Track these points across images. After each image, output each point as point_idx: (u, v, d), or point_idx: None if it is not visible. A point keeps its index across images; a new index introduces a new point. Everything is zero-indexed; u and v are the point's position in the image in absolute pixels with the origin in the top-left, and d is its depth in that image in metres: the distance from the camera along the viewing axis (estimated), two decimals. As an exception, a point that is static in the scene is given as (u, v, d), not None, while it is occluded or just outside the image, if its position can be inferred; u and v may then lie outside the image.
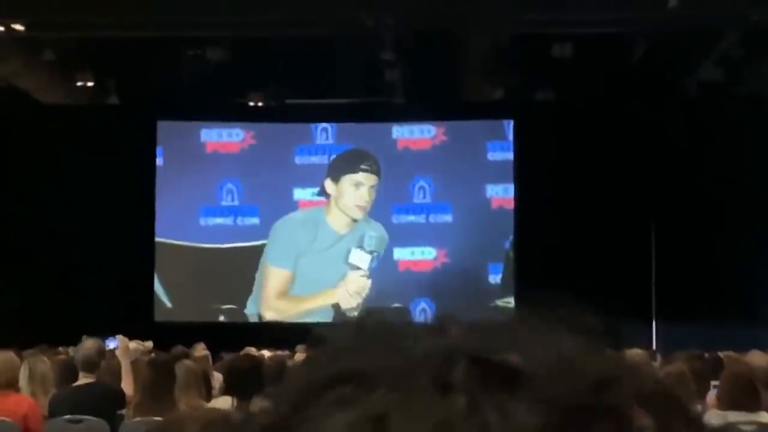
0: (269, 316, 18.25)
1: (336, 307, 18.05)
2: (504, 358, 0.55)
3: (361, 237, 18.10)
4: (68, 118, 18.03)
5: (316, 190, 18.39)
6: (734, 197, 17.36)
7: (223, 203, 18.64)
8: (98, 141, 17.62)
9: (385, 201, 18.35)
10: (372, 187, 18.24)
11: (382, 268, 18.22)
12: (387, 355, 0.56)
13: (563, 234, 17.27)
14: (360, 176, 18.23)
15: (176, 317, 17.86)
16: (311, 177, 18.39)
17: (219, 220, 18.61)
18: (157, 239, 18.51)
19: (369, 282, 18.07)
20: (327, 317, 18.03)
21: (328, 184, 18.25)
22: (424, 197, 18.53)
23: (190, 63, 17.11)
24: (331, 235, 18.17)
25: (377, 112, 18.59)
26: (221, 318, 18.34)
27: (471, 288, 18.06)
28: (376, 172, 18.28)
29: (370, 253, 18.07)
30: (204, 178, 18.61)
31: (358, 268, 18.04)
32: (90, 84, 17.89)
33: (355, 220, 18.20)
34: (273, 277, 18.31)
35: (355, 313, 17.78)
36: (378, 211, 18.28)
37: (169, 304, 18.51)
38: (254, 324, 18.00)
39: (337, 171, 18.34)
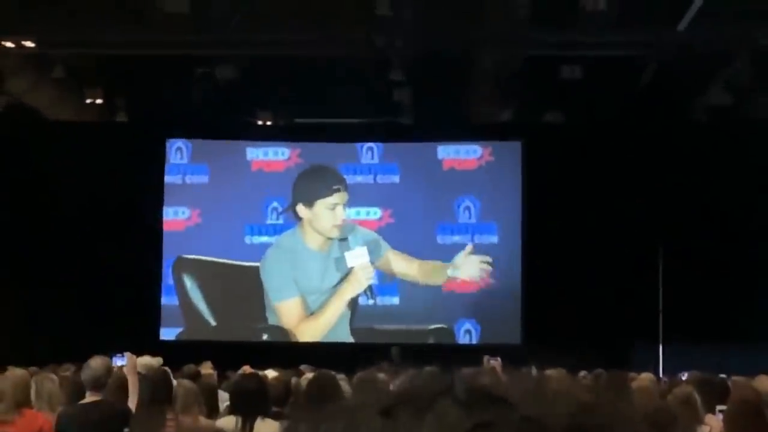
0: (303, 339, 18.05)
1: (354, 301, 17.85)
2: (492, 388, 0.68)
3: (343, 243, 17.84)
4: (77, 134, 18.06)
5: (363, 209, 18.17)
6: (743, 221, 17.34)
7: (269, 222, 18.53)
8: (107, 158, 17.62)
9: (431, 221, 18.18)
10: (344, 204, 17.93)
11: (427, 288, 18.05)
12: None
13: (571, 256, 17.24)
14: (334, 198, 17.79)
15: (221, 336, 17.77)
16: (355, 196, 18.10)
17: (264, 239, 18.50)
18: (203, 257, 18.32)
19: (368, 257, 17.58)
20: (347, 319, 17.93)
21: (301, 209, 17.89)
22: (470, 217, 18.38)
23: (199, 81, 17.17)
24: (313, 255, 17.88)
25: (385, 132, 18.56)
26: (264, 337, 18.15)
27: (516, 310, 17.91)
28: (346, 188, 17.99)
29: (362, 246, 17.71)
30: (249, 197, 18.43)
31: (362, 263, 17.54)
32: (99, 101, 17.95)
33: (330, 239, 17.92)
34: (286, 310, 18.12)
35: (369, 294, 17.17)
36: (423, 230, 18.09)
37: (213, 323, 18.36)
38: (265, 343, 17.81)
39: (309, 196, 17.91)
